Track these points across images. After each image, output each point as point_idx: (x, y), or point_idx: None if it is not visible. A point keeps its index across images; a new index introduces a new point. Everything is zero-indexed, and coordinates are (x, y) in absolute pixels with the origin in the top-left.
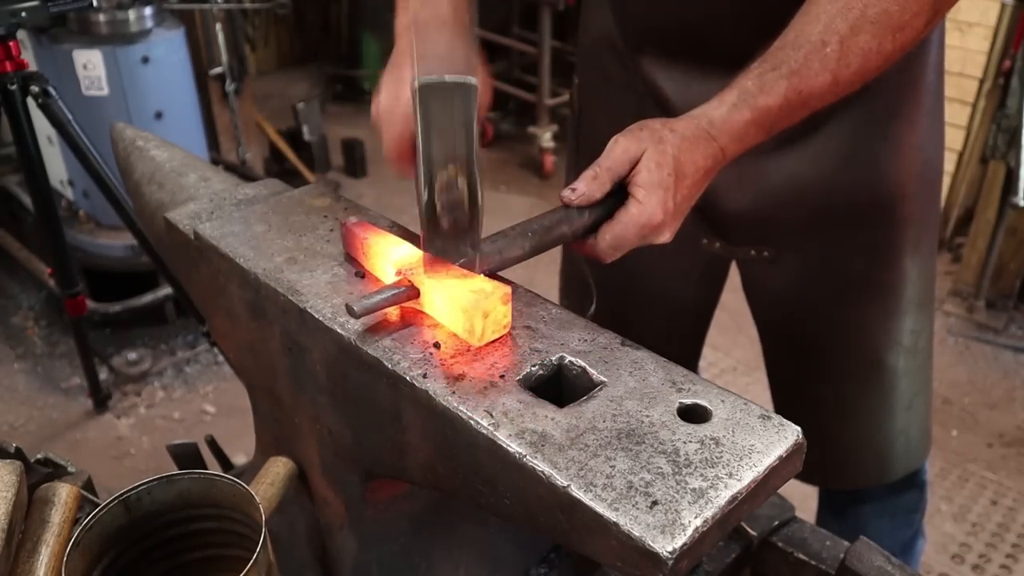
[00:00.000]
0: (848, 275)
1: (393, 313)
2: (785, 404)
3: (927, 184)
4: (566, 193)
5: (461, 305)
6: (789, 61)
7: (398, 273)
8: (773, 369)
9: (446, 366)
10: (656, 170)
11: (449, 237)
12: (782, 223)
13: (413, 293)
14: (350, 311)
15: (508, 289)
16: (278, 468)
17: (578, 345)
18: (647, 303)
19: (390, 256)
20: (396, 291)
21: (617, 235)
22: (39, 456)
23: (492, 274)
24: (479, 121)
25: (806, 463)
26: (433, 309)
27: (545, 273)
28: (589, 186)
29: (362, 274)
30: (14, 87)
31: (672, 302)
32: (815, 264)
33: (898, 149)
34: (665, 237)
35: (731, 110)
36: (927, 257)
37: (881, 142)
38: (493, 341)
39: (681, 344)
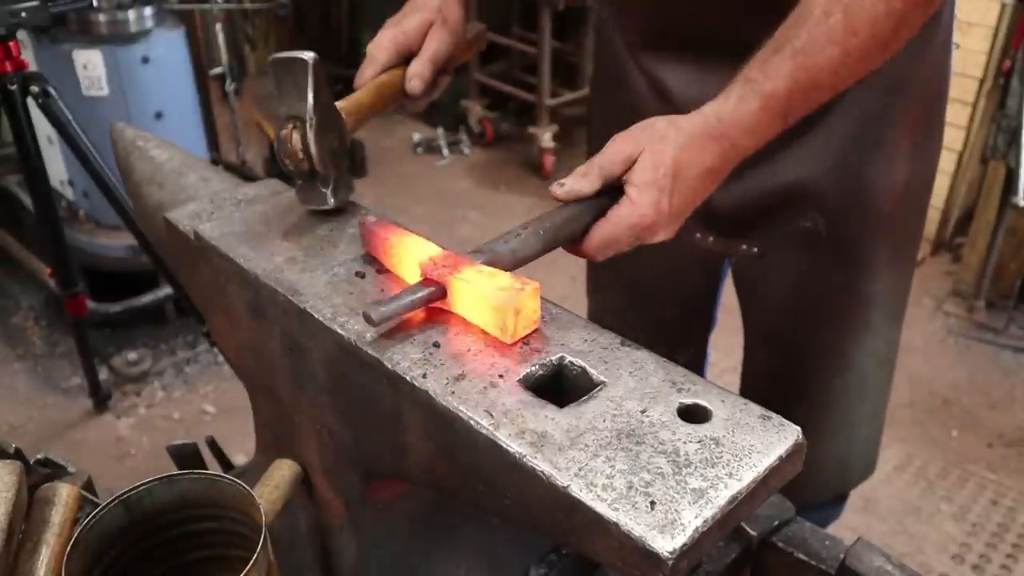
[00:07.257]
0: (829, 283)
1: (417, 315)
2: None
3: (913, 197)
4: (554, 187)
5: (493, 303)
6: (792, 40)
7: (423, 274)
8: (749, 369)
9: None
10: (651, 169)
11: (301, 186)
12: (770, 220)
13: (439, 293)
14: (367, 319)
15: (537, 284)
16: (283, 471)
17: (578, 345)
18: (645, 302)
19: (414, 255)
20: (424, 292)
21: (607, 233)
22: (39, 456)
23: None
24: (451, 63)
25: None
26: (462, 308)
27: (545, 273)
28: (577, 182)
29: (363, 274)
30: (14, 87)
31: (669, 300)
32: (800, 268)
33: (888, 158)
34: (659, 236)
35: (738, 103)
36: (906, 270)
37: (872, 149)
38: (524, 336)
39: (683, 343)
